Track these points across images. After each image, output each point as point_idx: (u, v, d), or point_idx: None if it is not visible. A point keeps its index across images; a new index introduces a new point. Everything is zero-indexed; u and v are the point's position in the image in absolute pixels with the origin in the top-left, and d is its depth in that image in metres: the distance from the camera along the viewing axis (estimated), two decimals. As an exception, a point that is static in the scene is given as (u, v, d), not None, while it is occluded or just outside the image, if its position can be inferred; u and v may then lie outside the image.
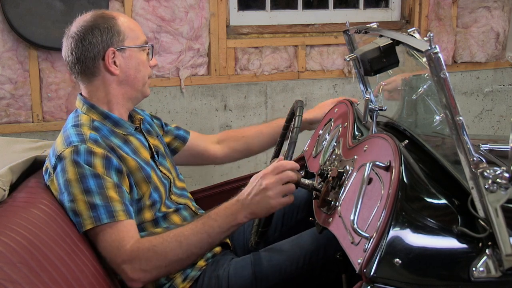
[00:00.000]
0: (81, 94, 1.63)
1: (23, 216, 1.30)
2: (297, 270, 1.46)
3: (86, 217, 1.40)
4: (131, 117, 1.69)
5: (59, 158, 1.44)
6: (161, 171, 1.65)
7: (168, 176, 1.67)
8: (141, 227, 1.54)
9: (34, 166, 1.60)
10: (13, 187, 1.46)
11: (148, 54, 1.64)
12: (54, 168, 1.45)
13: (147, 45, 1.63)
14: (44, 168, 1.55)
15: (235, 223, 1.38)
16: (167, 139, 1.88)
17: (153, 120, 1.84)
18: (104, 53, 1.55)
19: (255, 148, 2.01)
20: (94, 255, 1.43)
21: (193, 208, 1.71)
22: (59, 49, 2.82)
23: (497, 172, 1.03)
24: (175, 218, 1.62)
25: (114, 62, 1.57)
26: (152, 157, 1.65)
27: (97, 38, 1.55)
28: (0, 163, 1.49)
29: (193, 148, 1.93)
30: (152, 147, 1.67)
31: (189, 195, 1.79)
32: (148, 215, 1.56)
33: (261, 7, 3.29)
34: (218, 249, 1.63)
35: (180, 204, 1.67)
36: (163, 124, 1.91)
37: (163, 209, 1.60)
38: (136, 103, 1.68)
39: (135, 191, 1.52)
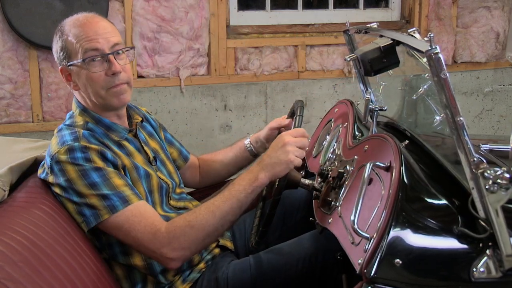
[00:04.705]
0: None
1: (23, 216, 1.30)
2: (296, 273, 1.46)
3: (101, 207, 1.39)
4: (130, 118, 1.65)
5: (54, 159, 1.43)
6: (159, 177, 1.60)
7: (166, 182, 1.63)
8: None
9: (34, 166, 1.60)
10: (13, 187, 1.45)
11: (107, 62, 1.48)
12: (51, 168, 1.44)
13: (86, 58, 1.47)
14: (40, 165, 1.54)
15: (257, 184, 1.43)
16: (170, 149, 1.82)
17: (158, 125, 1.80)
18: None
19: (223, 175, 1.92)
20: (95, 253, 1.43)
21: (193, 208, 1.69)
22: (59, 49, 2.87)
23: (498, 173, 1.03)
24: None
25: (71, 79, 1.53)
26: (149, 162, 1.61)
27: (54, 54, 1.55)
28: (0, 163, 1.49)
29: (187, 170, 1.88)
30: (150, 152, 1.63)
31: (188, 196, 1.76)
32: None
33: (261, 7, 3.29)
34: (217, 250, 1.63)
35: (180, 208, 1.64)
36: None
37: (161, 213, 1.56)
38: (117, 111, 1.57)
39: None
